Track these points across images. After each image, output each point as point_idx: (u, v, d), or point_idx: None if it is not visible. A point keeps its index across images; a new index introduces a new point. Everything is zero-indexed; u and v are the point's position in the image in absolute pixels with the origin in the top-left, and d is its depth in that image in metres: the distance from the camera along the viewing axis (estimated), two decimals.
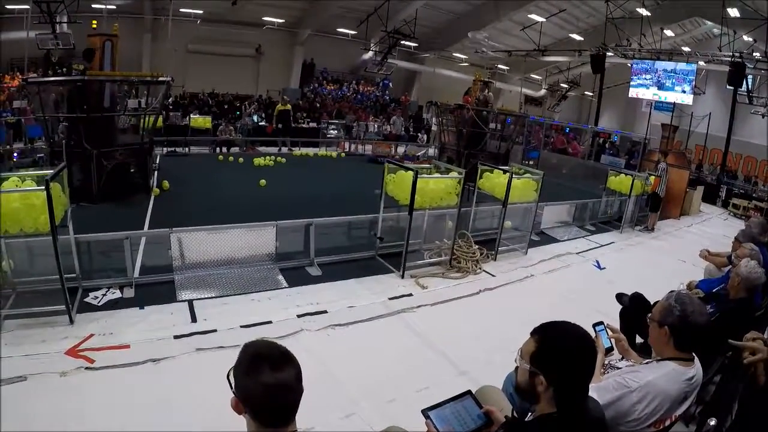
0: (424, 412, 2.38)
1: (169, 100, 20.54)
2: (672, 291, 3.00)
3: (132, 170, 12.20)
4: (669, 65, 23.77)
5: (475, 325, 6.44)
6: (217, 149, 20.32)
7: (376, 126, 26.84)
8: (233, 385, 1.90)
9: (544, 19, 27.01)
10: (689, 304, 2.82)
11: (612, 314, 4.88)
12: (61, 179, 5.89)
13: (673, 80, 23.73)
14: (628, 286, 5.61)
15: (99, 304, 6.14)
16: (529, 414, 2.52)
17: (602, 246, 10.71)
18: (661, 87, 24.23)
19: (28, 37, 17.71)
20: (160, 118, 13.78)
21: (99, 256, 7.00)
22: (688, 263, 9.53)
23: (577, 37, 29.10)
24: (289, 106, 22.96)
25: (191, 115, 21.21)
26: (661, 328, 2.86)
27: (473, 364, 5.27)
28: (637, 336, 4.51)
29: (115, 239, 6.82)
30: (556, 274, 8.76)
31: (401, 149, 24.11)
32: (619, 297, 5.48)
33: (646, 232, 12.53)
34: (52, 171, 5.63)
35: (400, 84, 35.83)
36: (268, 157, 18.07)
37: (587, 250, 10.25)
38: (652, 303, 3.66)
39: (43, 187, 5.15)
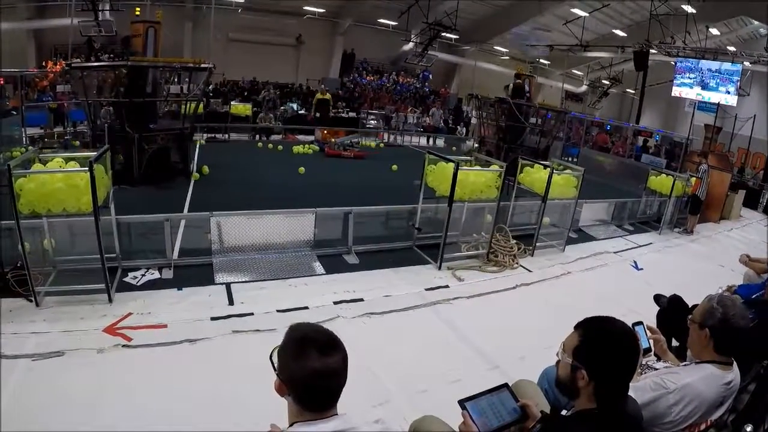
0: (461, 403, 2.37)
1: (210, 88, 20.77)
2: (713, 293, 2.97)
3: (172, 155, 12.40)
4: (714, 65, 23.32)
5: (511, 319, 6.41)
6: (257, 136, 20.54)
7: (414, 117, 26.87)
8: (276, 367, 1.92)
9: (587, 14, 26.76)
10: (731, 306, 2.77)
11: (648, 316, 4.79)
12: (104, 161, 5.98)
13: (718, 80, 23.30)
14: (666, 288, 5.55)
15: (138, 284, 6.29)
16: (564, 411, 2.54)
17: (640, 246, 10.54)
18: (704, 87, 23.80)
19: (72, 24, 18.01)
20: (201, 105, 13.95)
21: (139, 238, 7.14)
22: (726, 268, 9.38)
23: (621, 33, 28.75)
24: (328, 96, 23.17)
25: (232, 102, 21.49)
26: (701, 330, 2.81)
27: (507, 359, 5.23)
28: (673, 339, 4.46)
29: (155, 221, 6.96)
30: (593, 272, 8.67)
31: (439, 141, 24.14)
32: (657, 298, 5.41)
33: (684, 234, 12.27)
34: (95, 153, 5.72)
35: (440, 76, 35.80)
36: (306, 145, 18.22)
37: (625, 250, 10.11)
38: (690, 306, 3.61)
39: (87, 168, 5.23)
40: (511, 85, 18.02)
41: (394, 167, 15.54)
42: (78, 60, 17.11)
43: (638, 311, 5.31)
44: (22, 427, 3.68)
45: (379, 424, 2.03)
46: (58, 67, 21.84)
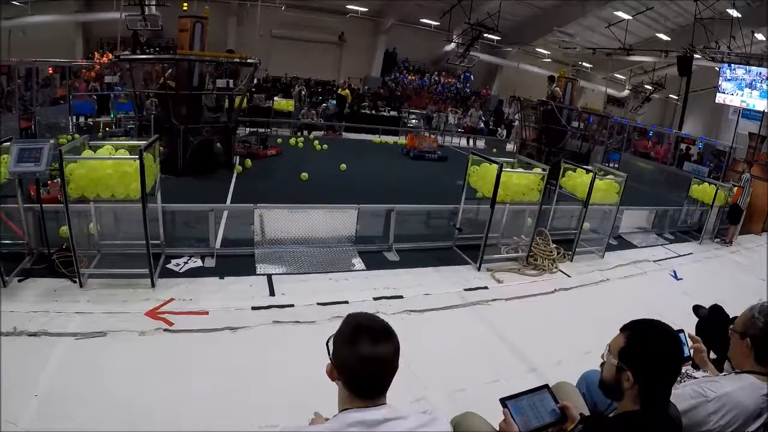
0: (502, 401, 2.41)
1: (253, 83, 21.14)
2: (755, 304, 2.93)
3: (216, 147, 12.60)
4: (760, 71, 22.80)
5: (548, 323, 6.39)
6: (299, 132, 20.74)
7: (456, 118, 26.83)
8: (330, 352, 1.97)
9: (630, 17, 26.41)
10: None
11: (687, 327, 4.78)
12: (153, 150, 6.13)
13: (763, 87, 22.75)
14: (705, 299, 5.42)
15: (180, 271, 6.43)
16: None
17: (680, 256, 10.33)
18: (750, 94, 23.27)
19: (121, 18, 18.46)
20: (245, 99, 14.18)
21: (182, 226, 7.31)
22: (766, 281, 9.16)
23: (664, 37, 28.22)
24: (346, 92, 23.60)
25: (274, 98, 21.73)
26: (742, 339, 2.74)
27: (544, 362, 5.22)
28: (711, 352, 4.37)
29: (200, 211, 7.14)
30: (632, 280, 8.55)
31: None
32: (696, 309, 5.32)
33: (723, 245, 12.04)
34: (144, 142, 5.85)
35: (481, 77, 35.74)
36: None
37: (664, 259, 9.93)
38: (731, 317, 3.56)
39: (137, 156, 5.37)
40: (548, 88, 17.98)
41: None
42: (126, 52, 17.50)
43: (676, 322, 5.24)
44: (63, 403, 3.80)
45: (427, 414, 2.07)
46: (104, 58, 22.34)
